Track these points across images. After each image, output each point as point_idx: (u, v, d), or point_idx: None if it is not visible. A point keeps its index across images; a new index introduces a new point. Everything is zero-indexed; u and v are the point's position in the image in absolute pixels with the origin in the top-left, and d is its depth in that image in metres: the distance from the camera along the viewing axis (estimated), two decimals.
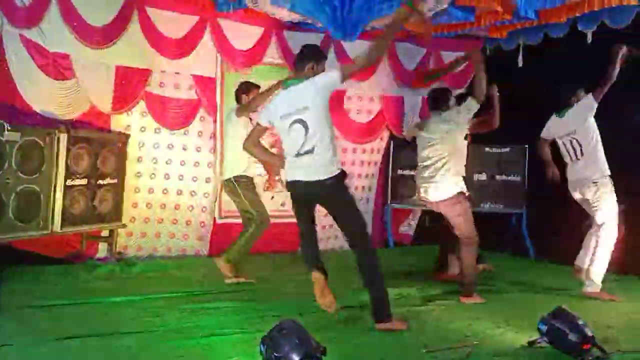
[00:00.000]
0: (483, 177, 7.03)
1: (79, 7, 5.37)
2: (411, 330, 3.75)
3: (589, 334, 3.26)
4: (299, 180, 3.63)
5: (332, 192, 3.60)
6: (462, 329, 3.78)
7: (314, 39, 6.58)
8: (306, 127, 3.51)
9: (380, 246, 7.16)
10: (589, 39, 5.76)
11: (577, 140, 4.82)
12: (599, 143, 4.77)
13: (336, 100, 6.83)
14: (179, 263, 5.78)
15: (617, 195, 4.68)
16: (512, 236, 6.95)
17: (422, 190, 4.72)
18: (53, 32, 5.30)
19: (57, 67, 5.38)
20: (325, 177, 3.55)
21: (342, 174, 3.63)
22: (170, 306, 4.04)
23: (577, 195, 4.90)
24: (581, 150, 4.80)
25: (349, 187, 3.82)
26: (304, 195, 3.68)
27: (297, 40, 6.30)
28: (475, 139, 5.55)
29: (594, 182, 4.72)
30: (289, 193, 3.84)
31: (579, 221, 5.01)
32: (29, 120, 5.17)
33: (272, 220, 5.21)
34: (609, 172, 4.74)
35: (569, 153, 4.91)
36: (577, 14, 5.41)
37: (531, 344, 3.44)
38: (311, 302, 3.78)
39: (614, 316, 4.16)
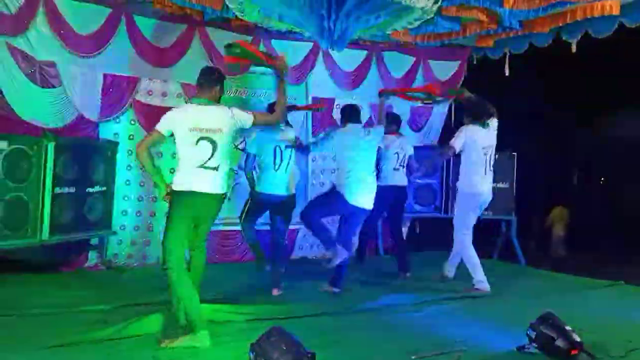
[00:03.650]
0: None
1: (66, 15, 5.35)
2: (400, 336, 3.76)
3: (577, 339, 3.29)
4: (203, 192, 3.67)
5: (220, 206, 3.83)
6: (451, 335, 3.79)
7: (303, 47, 6.64)
8: (215, 146, 3.63)
9: (371, 254, 7.17)
10: (574, 48, 5.85)
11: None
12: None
13: (326, 109, 6.86)
14: None
15: None
16: (502, 242, 6.99)
17: None
18: (40, 40, 5.27)
19: (44, 75, 5.35)
20: (224, 192, 3.76)
21: None
22: (159, 314, 4.02)
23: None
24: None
25: None
26: (201, 205, 3.71)
27: (285, 49, 6.32)
28: None
29: None
30: None
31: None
32: (17, 129, 5.13)
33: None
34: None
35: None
36: (561, 24, 5.49)
37: (520, 349, 3.46)
38: (299, 309, 3.75)
39: (602, 321, 4.19)
